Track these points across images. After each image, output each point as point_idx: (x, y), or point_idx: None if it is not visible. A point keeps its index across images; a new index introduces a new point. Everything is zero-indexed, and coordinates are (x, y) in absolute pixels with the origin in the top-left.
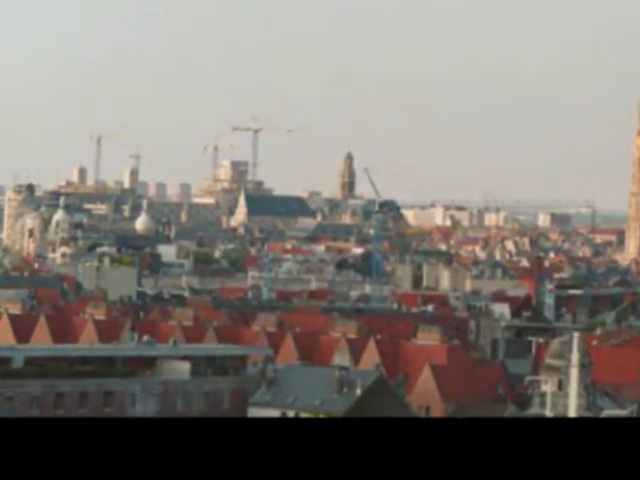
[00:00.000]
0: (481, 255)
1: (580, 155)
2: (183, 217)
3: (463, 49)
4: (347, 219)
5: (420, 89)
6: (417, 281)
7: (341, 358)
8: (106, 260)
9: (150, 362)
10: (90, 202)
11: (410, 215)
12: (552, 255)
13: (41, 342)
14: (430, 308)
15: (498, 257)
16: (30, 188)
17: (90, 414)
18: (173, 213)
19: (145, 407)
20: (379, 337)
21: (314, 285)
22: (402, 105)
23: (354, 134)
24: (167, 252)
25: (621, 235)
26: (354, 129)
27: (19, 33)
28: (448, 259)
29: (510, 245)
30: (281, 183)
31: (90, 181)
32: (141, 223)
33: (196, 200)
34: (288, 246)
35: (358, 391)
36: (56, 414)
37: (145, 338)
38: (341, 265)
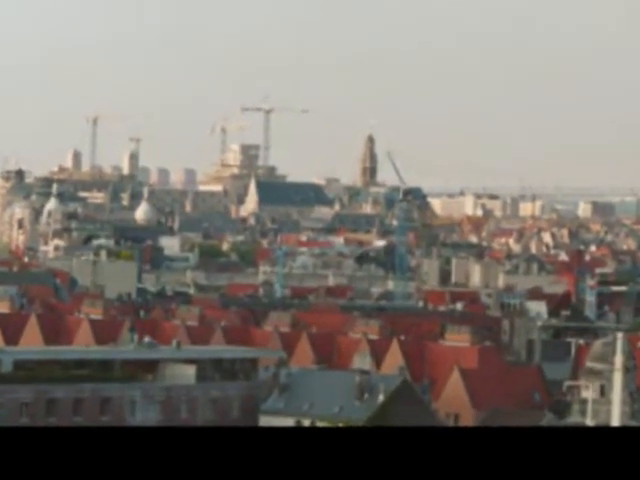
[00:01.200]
0: (515, 248)
1: (624, 139)
2: (188, 206)
3: (493, 25)
4: (368, 208)
5: (448, 65)
6: (445, 277)
7: (361, 361)
8: (103, 254)
9: (151, 366)
10: (85, 190)
11: (437, 204)
12: (593, 248)
13: (32, 344)
14: (459, 306)
15: (534, 250)
16: (20, 174)
17: (85, 423)
18: (177, 202)
19: (146, 415)
20: (403, 338)
21: (332, 281)
22: (428, 83)
23: (376, 115)
24: (170, 245)
25: None
26: (376, 109)
27: (14, 13)
28: (479, 253)
29: (547, 237)
30: (295, 169)
31: (85, 166)
32: (141, 213)
33: (202, 187)
34: (303, 238)
35: (380, 397)
36: (48, 422)
37: (146, 339)
38: (361, 259)
